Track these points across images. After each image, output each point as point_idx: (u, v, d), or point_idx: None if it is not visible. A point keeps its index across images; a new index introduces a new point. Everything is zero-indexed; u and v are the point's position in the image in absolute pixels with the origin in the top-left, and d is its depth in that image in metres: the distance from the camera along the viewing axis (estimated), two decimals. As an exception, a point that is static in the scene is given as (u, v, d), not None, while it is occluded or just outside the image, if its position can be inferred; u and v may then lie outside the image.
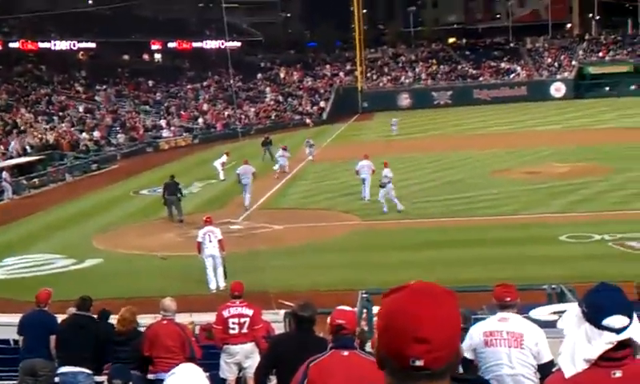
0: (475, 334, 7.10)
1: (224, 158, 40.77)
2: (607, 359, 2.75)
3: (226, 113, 73.41)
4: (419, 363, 2.06)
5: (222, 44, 77.32)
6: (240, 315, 11.17)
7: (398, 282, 2.25)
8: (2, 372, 12.10)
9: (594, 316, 2.77)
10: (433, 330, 2.06)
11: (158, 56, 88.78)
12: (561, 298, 13.40)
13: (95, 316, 11.46)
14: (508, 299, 7.15)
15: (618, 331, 2.74)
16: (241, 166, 32.30)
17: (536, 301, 13.10)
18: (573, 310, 2.89)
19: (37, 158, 47.74)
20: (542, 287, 14.12)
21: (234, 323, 11.13)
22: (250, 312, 11.23)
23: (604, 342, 2.74)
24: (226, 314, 11.23)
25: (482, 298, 11.81)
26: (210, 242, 19.84)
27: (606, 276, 13.12)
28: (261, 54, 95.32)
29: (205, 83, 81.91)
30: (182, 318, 11.91)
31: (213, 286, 19.87)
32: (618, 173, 33.79)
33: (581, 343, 2.78)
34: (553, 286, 13.93)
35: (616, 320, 2.74)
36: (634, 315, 2.84)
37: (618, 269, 18.51)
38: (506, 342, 6.90)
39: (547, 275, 17.15)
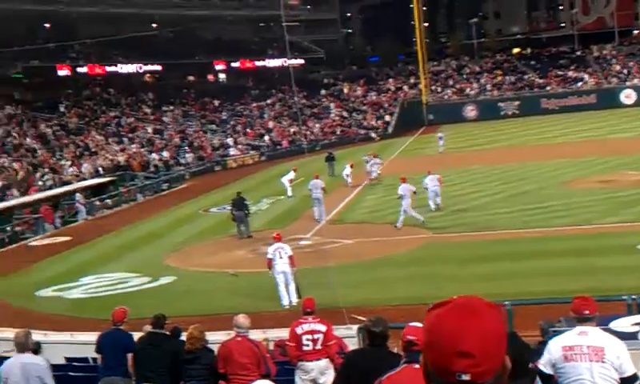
0: (554, 349, 6.95)
1: (291, 175, 41.00)
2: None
3: (292, 129, 73.82)
4: (465, 378, 2.06)
5: (285, 62, 77.95)
6: (313, 331, 11.14)
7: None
8: (81, 390, 12.36)
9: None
10: (476, 344, 2.06)
11: (222, 76, 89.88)
12: (641, 308, 13.06)
13: (169, 333, 11.62)
14: (587, 312, 6.97)
15: None
16: (311, 181, 32.61)
17: (615, 312, 12.76)
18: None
19: (109, 179, 48.58)
20: (622, 298, 13.77)
21: (307, 340, 11.09)
22: (323, 328, 11.19)
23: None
24: (299, 330, 11.21)
25: (559, 309, 11.58)
26: (281, 258, 19.92)
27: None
28: (323, 70, 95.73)
29: (269, 101, 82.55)
30: (255, 335, 11.97)
31: (285, 302, 19.93)
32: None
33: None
34: (633, 297, 13.57)
35: None
36: None
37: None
38: (586, 356, 6.72)
39: (624, 285, 16.74)
